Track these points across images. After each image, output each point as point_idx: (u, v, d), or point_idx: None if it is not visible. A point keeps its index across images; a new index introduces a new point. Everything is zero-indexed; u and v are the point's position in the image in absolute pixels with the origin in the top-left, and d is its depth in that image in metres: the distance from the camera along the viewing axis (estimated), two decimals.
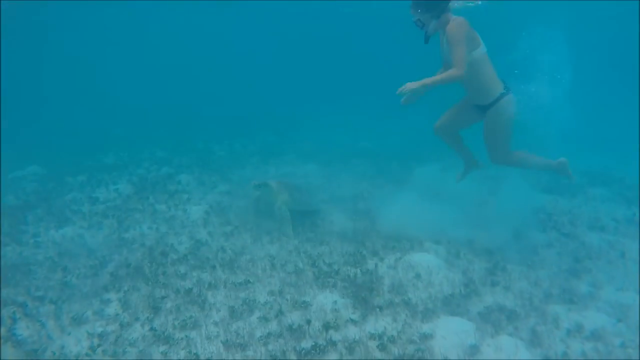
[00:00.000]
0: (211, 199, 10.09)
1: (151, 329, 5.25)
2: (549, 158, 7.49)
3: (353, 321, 5.54)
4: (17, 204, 9.92)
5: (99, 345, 4.96)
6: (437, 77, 6.09)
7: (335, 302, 5.87)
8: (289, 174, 12.85)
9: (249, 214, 9.24)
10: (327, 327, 5.30)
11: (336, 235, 8.39)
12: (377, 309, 5.86)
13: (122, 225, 8.57)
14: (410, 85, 5.90)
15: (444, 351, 4.91)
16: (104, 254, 7.26)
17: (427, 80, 6.00)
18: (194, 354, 4.81)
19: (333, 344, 5.03)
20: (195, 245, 7.62)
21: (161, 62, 41.82)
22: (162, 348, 4.96)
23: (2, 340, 5.00)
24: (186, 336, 5.15)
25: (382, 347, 5.02)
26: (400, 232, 8.47)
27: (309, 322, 5.30)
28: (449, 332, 5.20)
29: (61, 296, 5.97)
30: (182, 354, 4.88)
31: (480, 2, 15.90)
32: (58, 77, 35.99)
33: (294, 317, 5.59)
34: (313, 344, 4.99)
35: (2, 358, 4.81)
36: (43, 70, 37.53)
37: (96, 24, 34.94)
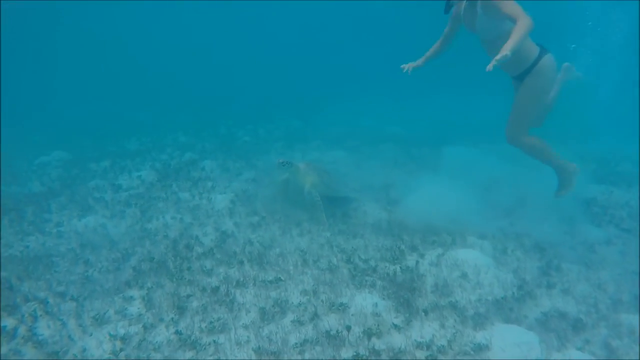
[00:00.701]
0: (236, 186, 9.63)
1: (176, 332, 4.83)
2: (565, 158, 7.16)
3: (397, 327, 4.99)
4: (41, 191, 9.73)
5: (121, 350, 4.58)
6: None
7: (376, 304, 5.32)
8: (316, 160, 12.24)
9: (276, 203, 8.74)
10: (368, 333, 4.76)
11: (370, 228, 7.82)
12: (422, 313, 5.28)
13: (145, 214, 8.21)
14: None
15: None
16: (127, 246, 6.91)
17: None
18: None
19: (376, 353, 4.50)
20: (221, 238, 7.17)
21: (184, 47, 41.49)
22: (189, 354, 4.53)
23: (22, 340, 4.67)
24: (214, 341, 4.71)
25: (431, 359, 4.46)
26: (439, 224, 7.83)
27: (348, 328, 4.77)
28: (508, 343, 4.58)
29: (82, 292, 5.63)
30: None
31: None
32: (84, 63, 36.15)
33: (331, 321, 5.07)
34: (354, 353, 4.47)
35: (23, 359, 4.49)
36: (69, 56, 37.77)
37: (122, 10, 34.85)
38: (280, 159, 8.07)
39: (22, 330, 4.85)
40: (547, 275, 6.22)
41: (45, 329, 4.92)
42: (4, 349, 4.60)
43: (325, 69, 35.26)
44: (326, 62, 37.92)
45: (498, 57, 5.25)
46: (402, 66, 7.05)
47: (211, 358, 4.50)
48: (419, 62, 7.16)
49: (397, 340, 4.80)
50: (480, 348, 4.56)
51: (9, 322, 4.99)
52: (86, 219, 8.00)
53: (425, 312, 5.30)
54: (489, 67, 5.32)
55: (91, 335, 4.89)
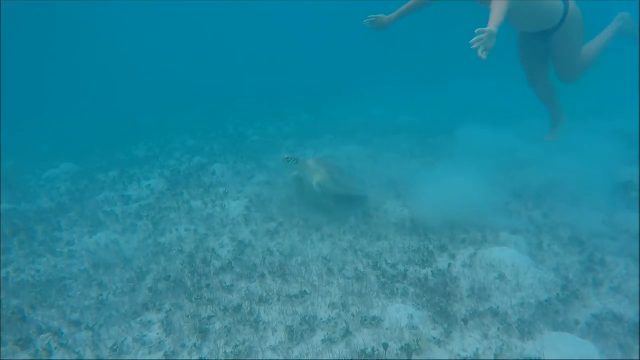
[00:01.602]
0: (250, 191, 9.26)
1: (200, 359, 4.50)
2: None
3: (436, 341, 4.60)
4: (50, 207, 9.47)
5: None
6: (494, 16, 4.87)
7: (411, 316, 4.93)
8: (329, 157, 11.82)
9: (293, 206, 8.36)
10: (407, 350, 4.38)
11: (394, 227, 7.40)
12: (462, 322, 4.88)
13: (157, 227, 7.89)
14: (490, 32, 4.66)
15: None
16: (141, 264, 6.59)
17: (492, 22, 4.79)
18: None
19: None
20: (239, 249, 6.82)
21: (186, 46, 41.08)
22: None
23: None
24: None
25: None
26: (466, 220, 7.39)
27: (385, 346, 4.38)
28: (564, 355, 4.16)
29: (98, 319, 5.32)
30: None
31: None
32: (85, 67, 35.98)
33: (365, 338, 4.70)
34: None
35: None
36: (70, 59, 37.57)
37: (122, 11, 34.45)
38: (286, 154, 7.58)
39: None
40: (591, 272, 5.76)
41: None
42: None
43: (333, 61, 34.62)
44: (333, 53, 37.25)
45: (482, 35, 4.59)
46: (367, 18, 6.67)
47: None
48: (391, 16, 6.70)
49: (439, 355, 4.41)
50: None
51: (23, 357, 4.71)
52: (97, 236, 7.71)
53: (465, 321, 4.90)
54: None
55: None
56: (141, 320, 5.28)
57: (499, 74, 21.64)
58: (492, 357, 4.31)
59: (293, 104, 21.43)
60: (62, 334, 5.04)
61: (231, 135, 15.97)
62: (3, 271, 6.63)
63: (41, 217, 8.83)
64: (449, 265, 6.01)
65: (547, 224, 7.31)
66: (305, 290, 5.58)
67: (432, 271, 5.92)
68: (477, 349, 4.45)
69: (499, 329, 4.76)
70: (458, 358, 4.35)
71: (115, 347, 4.78)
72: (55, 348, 4.82)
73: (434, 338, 4.63)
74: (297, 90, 25.07)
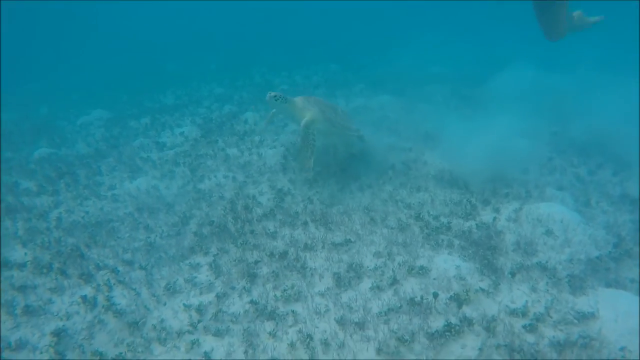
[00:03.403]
0: (285, 139, 9.18)
1: (251, 301, 4.65)
2: None
3: (484, 291, 4.61)
4: (89, 153, 9.63)
5: (199, 321, 4.45)
6: None
7: (459, 267, 4.93)
8: (361, 107, 11.55)
9: (328, 155, 8.28)
10: (457, 300, 4.41)
11: (433, 179, 7.28)
12: (509, 275, 4.87)
13: (195, 174, 7.96)
14: None
15: (619, 338, 3.89)
16: (183, 209, 6.72)
17: None
18: (307, 334, 4.16)
19: (469, 322, 4.17)
20: (279, 196, 6.85)
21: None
22: (268, 325, 4.36)
23: (103, 309, 4.64)
24: (292, 311, 4.50)
25: (531, 329, 4.09)
26: (508, 174, 7.21)
27: (435, 295, 4.42)
28: (619, 312, 4.12)
29: (149, 260, 5.52)
30: (292, 333, 4.25)
31: None
32: (106, 16, 35.25)
33: (413, 287, 4.75)
34: (445, 323, 4.15)
35: (105, 329, 4.47)
36: (89, 12, 36.74)
37: None
38: (273, 92, 6.68)
39: (100, 299, 4.80)
40: None
41: (121, 298, 4.86)
42: (89, 317, 4.58)
43: (356, 9, 32.89)
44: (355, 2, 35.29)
45: None
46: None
47: (292, 329, 4.31)
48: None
49: (488, 306, 4.44)
50: (586, 317, 4.13)
51: (87, 290, 4.96)
52: (137, 181, 7.85)
53: (512, 274, 4.88)
54: None
55: (165, 305, 4.80)
56: (190, 262, 5.45)
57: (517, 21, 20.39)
58: (543, 310, 4.31)
59: (319, 53, 20.76)
60: (119, 271, 5.25)
61: (258, 83, 15.67)
62: (55, 212, 6.86)
63: (82, 161, 9.01)
64: (494, 218, 5.93)
65: (595, 180, 7.08)
66: (349, 239, 5.62)
67: (476, 224, 5.86)
68: (527, 301, 4.46)
69: (547, 283, 4.73)
70: (507, 309, 4.37)
71: (168, 286, 4.97)
72: (114, 284, 5.05)
73: (482, 289, 4.64)
74: (323, 38, 24.16)
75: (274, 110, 7.57)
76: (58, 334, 4.34)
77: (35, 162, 9.03)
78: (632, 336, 3.88)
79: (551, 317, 4.23)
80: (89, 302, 4.73)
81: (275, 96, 6.64)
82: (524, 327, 4.12)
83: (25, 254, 5.70)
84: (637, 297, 4.26)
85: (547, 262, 5.00)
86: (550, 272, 4.87)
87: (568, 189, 6.79)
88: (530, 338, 4.01)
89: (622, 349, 3.80)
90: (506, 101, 10.32)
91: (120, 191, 7.60)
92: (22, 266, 5.43)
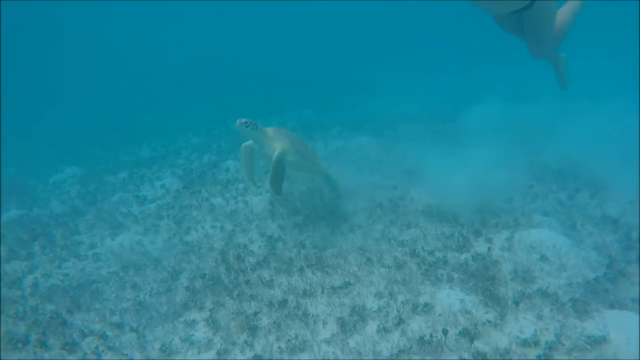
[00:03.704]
0: (269, 186, 9.10)
1: (255, 356, 4.40)
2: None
3: (492, 324, 4.55)
4: (64, 211, 9.23)
5: None
6: None
7: (462, 300, 4.88)
8: (341, 149, 11.75)
9: (315, 199, 8.26)
10: (468, 335, 4.32)
11: (422, 215, 7.35)
12: (513, 305, 4.85)
13: (180, 226, 7.73)
14: None
15: None
16: (172, 264, 6.45)
17: None
18: None
19: (483, 357, 4.07)
20: (270, 243, 6.71)
21: (181, 46, 40.45)
22: None
23: None
24: None
25: (546, 358, 4.03)
26: (493, 204, 7.37)
27: (445, 332, 4.32)
28: (630, 334, 4.14)
29: (140, 320, 5.18)
30: None
31: None
32: (78, 73, 35.24)
33: (419, 325, 4.64)
34: (459, 359, 4.04)
35: None
36: (61, 67, 36.70)
37: (114, 11, 33.78)
38: (243, 119, 6.33)
39: None
40: (632, 249, 5.76)
41: None
42: None
43: (327, 54, 34.39)
44: (326, 47, 36.99)
45: None
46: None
47: None
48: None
49: (498, 339, 4.36)
50: (598, 341, 4.12)
51: None
52: (120, 237, 7.53)
53: (516, 303, 4.86)
54: None
55: None
56: (184, 319, 5.15)
57: (489, 60, 21.86)
58: (553, 338, 4.27)
59: (291, 99, 21.28)
60: (107, 336, 4.89)
61: (234, 132, 15.64)
62: (31, 277, 6.42)
63: (57, 221, 8.60)
64: (489, 248, 5.98)
65: (575, 204, 7.34)
66: (348, 281, 5.50)
67: (471, 256, 5.88)
68: (535, 330, 4.41)
69: (551, 309, 4.73)
70: (518, 340, 4.31)
71: (163, 347, 4.65)
72: (103, 351, 4.67)
73: (489, 321, 4.58)
74: (294, 85, 24.89)
75: (247, 145, 7.25)
76: None
77: (3, 225, 8.54)
78: None
79: (563, 345, 4.19)
80: None
81: (245, 123, 6.32)
82: (538, 357, 4.05)
83: None
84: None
85: (547, 288, 5.03)
86: (552, 298, 4.88)
87: (552, 214, 6.99)
88: None
89: None
90: (479, 134, 10.74)
91: (101, 249, 7.24)
92: None
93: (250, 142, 7.08)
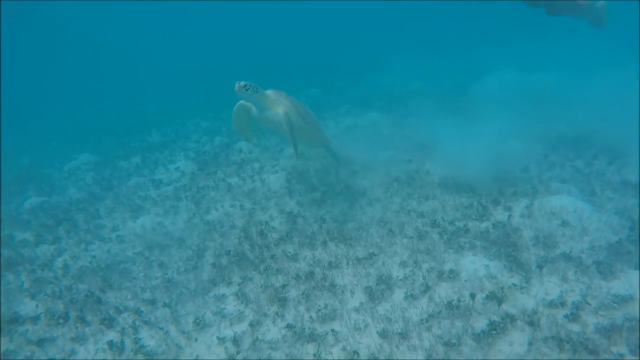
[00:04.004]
0: (284, 164, 9.17)
1: (287, 325, 4.52)
2: None
3: (518, 287, 4.64)
4: (82, 197, 9.35)
5: (237, 353, 4.28)
6: None
7: (487, 266, 4.95)
8: (352, 126, 11.73)
9: (330, 175, 8.31)
10: (496, 298, 4.41)
11: (438, 187, 7.38)
12: (537, 269, 4.93)
13: (200, 206, 7.83)
14: None
15: None
16: (195, 242, 6.56)
17: None
18: (352, 351, 4.05)
19: (511, 319, 4.16)
20: (291, 219, 6.79)
21: (184, 29, 39.97)
22: (311, 348, 4.23)
23: (132, 353, 4.41)
24: (332, 330, 4.40)
25: (573, 318, 4.11)
26: (510, 174, 7.39)
27: (473, 295, 4.41)
28: None
29: (171, 297, 5.32)
30: (337, 352, 4.14)
31: None
32: (84, 62, 35.09)
33: (446, 291, 4.73)
34: (488, 322, 4.13)
35: None
36: (68, 56, 36.46)
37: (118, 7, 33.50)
38: (242, 82, 6.07)
39: (128, 342, 4.57)
40: None
41: (149, 339, 4.64)
42: None
43: (331, 33, 33.88)
44: (330, 26, 36.42)
45: None
46: None
47: (335, 348, 4.20)
48: None
49: (525, 301, 4.45)
50: (625, 299, 4.20)
51: (111, 335, 4.72)
52: (141, 220, 7.64)
53: (540, 267, 4.94)
54: None
55: (196, 340, 4.61)
56: (214, 294, 5.28)
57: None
58: (579, 298, 4.35)
59: (299, 80, 21.07)
60: (142, 312, 5.03)
61: None
62: (59, 260, 6.57)
63: (77, 206, 8.73)
64: (509, 216, 6.03)
65: (593, 171, 7.32)
66: (372, 252, 5.58)
67: (492, 224, 5.93)
68: (561, 291, 4.49)
69: (575, 272, 4.80)
70: (544, 301, 4.39)
71: (197, 320, 4.79)
72: (139, 325, 4.82)
73: (515, 285, 4.66)
74: (300, 65, 24.64)
75: (241, 103, 6.76)
76: None
77: (27, 212, 8.69)
78: None
79: (589, 304, 4.27)
80: (117, 347, 4.50)
81: (245, 86, 6.01)
82: (566, 317, 4.14)
83: (37, 306, 5.40)
84: None
85: (570, 251, 5.09)
86: (575, 261, 4.94)
87: (570, 181, 7.00)
88: (575, 327, 4.03)
89: None
90: (491, 106, 10.68)
91: (124, 232, 7.37)
92: (35, 319, 5.14)
93: (243, 101, 6.69)
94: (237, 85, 6.00)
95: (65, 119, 20.74)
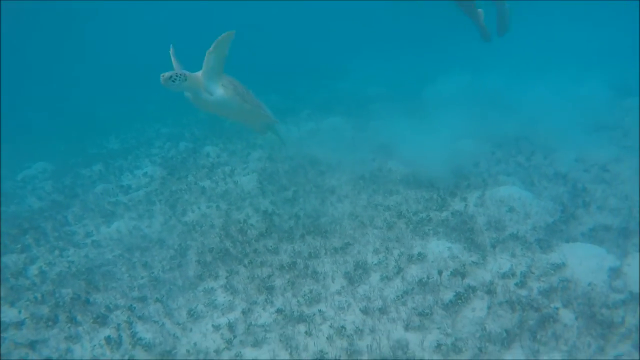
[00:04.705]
0: (254, 166, 9.54)
1: (277, 310, 4.94)
2: None
3: (476, 264, 5.38)
4: (45, 206, 9.14)
5: (234, 337, 4.64)
6: None
7: (450, 248, 5.67)
8: (314, 130, 12.29)
9: (299, 176, 8.80)
10: (459, 273, 5.11)
11: (401, 183, 8.09)
12: (491, 248, 5.72)
13: (175, 209, 8.00)
14: None
15: (586, 277, 4.83)
16: (177, 242, 6.78)
17: None
18: (340, 327, 4.56)
19: (473, 290, 4.87)
20: (267, 217, 7.19)
21: (135, 27, 38.54)
22: (302, 327, 4.69)
23: (131, 346, 4.63)
24: (319, 311, 4.88)
25: (522, 285, 4.90)
26: (462, 169, 8.28)
27: (440, 272, 5.09)
28: (581, 258, 5.10)
29: (160, 293, 5.55)
30: (325, 329, 4.63)
31: None
32: (33, 62, 32.92)
33: (416, 271, 5.38)
34: (455, 293, 4.81)
35: None
36: (18, 54, 33.93)
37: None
38: (165, 73, 5.38)
39: (125, 336, 4.77)
40: (579, 197, 6.82)
41: (145, 332, 4.87)
42: (117, 356, 4.54)
43: (286, 39, 34.29)
44: (285, 30, 36.82)
45: None
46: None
47: (324, 326, 4.68)
48: None
49: (482, 275, 5.20)
50: (559, 267, 5.05)
51: (106, 332, 4.88)
52: (115, 224, 7.69)
53: (493, 246, 5.73)
54: None
55: (191, 330, 4.90)
56: (203, 288, 5.58)
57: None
58: (525, 269, 5.16)
59: (256, 85, 21.28)
60: (135, 308, 5.23)
61: (204, 119, 15.76)
62: (34, 267, 6.52)
63: (42, 215, 8.55)
64: (465, 206, 6.82)
65: (532, 165, 8.38)
66: (347, 242, 6.13)
67: (450, 213, 6.70)
68: (511, 265, 5.29)
69: (521, 249, 5.63)
70: (499, 274, 5.15)
71: (191, 312, 5.08)
72: (133, 321, 5.02)
73: (474, 262, 5.41)
74: (257, 70, 24.84)
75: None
76: None
77: None
78: (595, 274, 4.85)
79: (533, 273, 5.09)
80: (114, 342, 4.69)
81: (170, 77, 5.36)
82: (516, 284, 4.92)
83: (20, 311, 5.41)
84: (590, 244, 5.31)
85: (517, 232, 5.93)
86: (521, 240, 5.79)
87: (514, 174, 7.98)
88: (523, 292, 4.81)
89: (589, 284, 4.73)
90: (444, 109, 11.65)
91: (99, 237, 7.40)
92: (19, 324, 5.18)
93: (187, 94, 5.90)
94: (161, 77, 5.35)
95: (10, 124, 19.55)
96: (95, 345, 4.72)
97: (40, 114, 20.44)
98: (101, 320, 5.03)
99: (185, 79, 5.50)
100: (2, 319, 5.29)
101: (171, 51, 5.87)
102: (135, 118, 17.34)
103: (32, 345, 4.78)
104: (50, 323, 5.05)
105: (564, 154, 8.55)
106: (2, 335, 5.03)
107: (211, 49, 5.21)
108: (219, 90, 5.74)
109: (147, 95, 21.86)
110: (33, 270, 6.48)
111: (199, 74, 5.70)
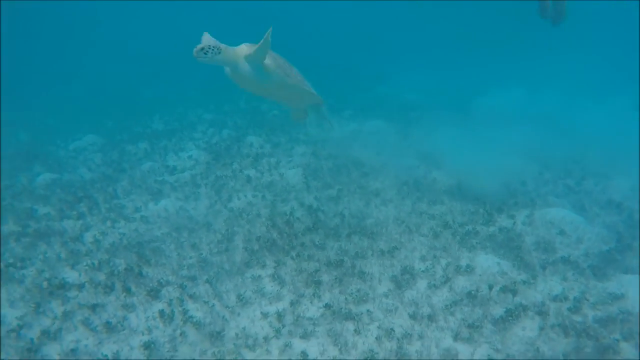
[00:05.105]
0: (299, 161, 9.64)
1: (325, 305, 5.01)
2: None
3: (526, 283, 5.32)
4: (95, 177, 9.48)
5: (283, 326, 4.74)
6: None
7: (499, 263, 5.62)
8: (356, 131, 12.31)
9: (342, 175, 8.85)
10: (509, 291, 5.06)
11: (445, 194, 8.05)
12: (540, 269, 5.64)
13: (220, 195, 8.18)
14: None
15: None
16: (223, 227, 6.93)
17: None
18: (388, 329, 4.59)
19: (524, 308, 4.82)
20: (312, 212, 7.27)
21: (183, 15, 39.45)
22: (349, 325, 4.75)
23: (182, 322, 4.79)
24: (367, 310, 4.93)
25: (575, 310, 4.82)
26: (509, 186, 8.16)
27: (490, 287, 5.05)
28: None
29: (209, 275, 5.70)
30: (373, 329, 4.67)
31: None
32: (78, 47, 34.19)
33: (464, 283, 5.36)
34: (505, 309, 4.77)
35: (187, 341, 4.62)
36: (64, 43, 35.41)
37: None
38: (199, 45, 4.90)
39: (177, 312, 4.93)
40: (635, 228, 6.64)
41: (196, 311, 5.02)
42: (169, 331, 4.70)
43: (327, 37, 34.43)
44: (326, 28, 36.94)
45: None
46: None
47: (372, 326, 4.72)
48: None
49: (532, 295, 5.13)
50: (618, 297, 4.94)
51: (161, 305, 5.06)
52: (162, 203, 7.90)
53: (543, 268, 5.65)
54: None
55: (239, 315, 5.03)
56: (251, 275, 5.70)
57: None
58: (579, 295, 5.06)
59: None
60: (185, 286, 5.39)
61: (245, 109, 16.03)
62: (88, 234, 6.79)
63: (93, 186, 8.88)
64: (513, 223, 6.74)
65: (582, 190, 8.19)
66: (394, 246, 6.15)
67: (498, 229, 6.63)
68: (563, 288, 5.20)
69: (574, 273, 5.53)
70: (550, 296, 5.08)
71: (240, 296, 5.21)
72: (185, 299, 5.18)
73: (523, 281, 5.34)
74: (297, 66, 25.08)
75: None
76: (148, 346, 4.44)
77: (42, 187, 8.78)
78: None
79: (588, 300, 4.99)
80: (167, 316, 4.85)
81: (202, 49, 4.89)
82: (569, 309, 4.84)
83: (80, 275, 5.66)
84: None
85: (568, 256, 5.83)
86: (573, 264, 5.69)
87: (564, 197, 7.83)
88: (577, 318, 4.73)
89: None
90: (492, 122, 11.47)
91: (147, 213, 7.63)
92: (80, 287, 5.40)
93: (227, 70, 5.47)
94: (194, 51, 4.91)
95: (62, 96, 20.33)
96: (149, 317, 4.90)
97: (87, 89, 21.15)
98: (154, 293, 5.22)
99: (219, 52, 5.01)
100: (67, 280, 5.51)
101: (205, 35, 5.33)
102: (179, 102, 17.74)
103: (93, 307, 4.99)
104: (107, 290, 5.27)
105: (618, 182, 8.32)
106: (66, 294, 5.26)
107: (259, 44, 4.97)
108: (259, 65, 5.25)
109: (189, 82, 22.35)
110: (88, 237, 6.74)
111: (238, 48, 5.25)
